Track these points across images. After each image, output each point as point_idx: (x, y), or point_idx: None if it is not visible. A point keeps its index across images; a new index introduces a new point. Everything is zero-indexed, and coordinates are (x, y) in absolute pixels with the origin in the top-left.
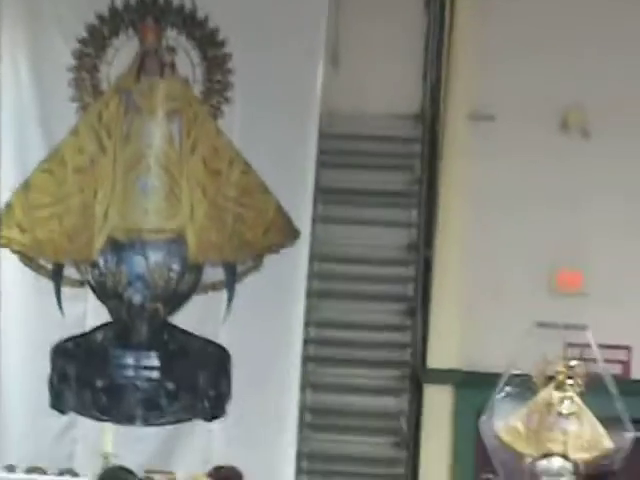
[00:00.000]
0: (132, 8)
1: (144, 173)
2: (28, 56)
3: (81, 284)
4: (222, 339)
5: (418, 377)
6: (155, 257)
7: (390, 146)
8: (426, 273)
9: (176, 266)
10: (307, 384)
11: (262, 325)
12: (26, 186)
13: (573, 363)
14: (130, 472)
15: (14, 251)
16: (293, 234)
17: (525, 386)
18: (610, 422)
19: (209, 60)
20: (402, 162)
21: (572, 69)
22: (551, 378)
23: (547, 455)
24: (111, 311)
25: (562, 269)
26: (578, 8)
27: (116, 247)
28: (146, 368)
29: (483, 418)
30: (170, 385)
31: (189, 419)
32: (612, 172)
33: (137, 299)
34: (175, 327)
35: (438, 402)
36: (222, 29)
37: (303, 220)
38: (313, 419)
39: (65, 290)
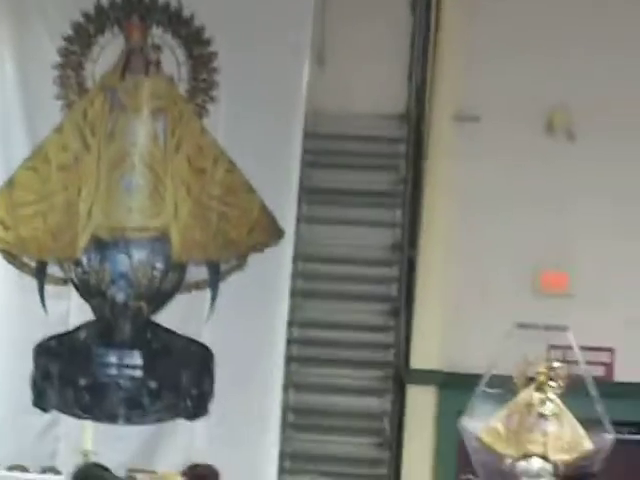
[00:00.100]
0: (118, 6)
1: (128, 171)
2: (13, 54)
3: (64, 282)
4: (205, 338)
5: (401, 378)
6: (139, 255)
7: (375, 146)
8: (410, 273)
9: (160, 265)
10: (290, 384)
11: (245, 324)
12: (10, 184)
13: (554, 364)
14: (105, 469)
15: None
16: (277, 233)
17: (506, 387)
18: (591, 424)
19: (194, 58)
20: (387, 162)
21: (558, 70)
22: (532, 379)
23: (527, 456)
24: (94, 309)
25: (547, 270)
26: (564, 8)
27: (100, 245)
28: (129, 367)
29: (463, 419)
30: (153, 384)
31: (172, 418)
32: (597, 174)
33: (120, 297)
34: (158, 326)
35: (421, 403)
36: (208, 27)
37: (287, 219)
38: (296, 419)
39: (48, 288)
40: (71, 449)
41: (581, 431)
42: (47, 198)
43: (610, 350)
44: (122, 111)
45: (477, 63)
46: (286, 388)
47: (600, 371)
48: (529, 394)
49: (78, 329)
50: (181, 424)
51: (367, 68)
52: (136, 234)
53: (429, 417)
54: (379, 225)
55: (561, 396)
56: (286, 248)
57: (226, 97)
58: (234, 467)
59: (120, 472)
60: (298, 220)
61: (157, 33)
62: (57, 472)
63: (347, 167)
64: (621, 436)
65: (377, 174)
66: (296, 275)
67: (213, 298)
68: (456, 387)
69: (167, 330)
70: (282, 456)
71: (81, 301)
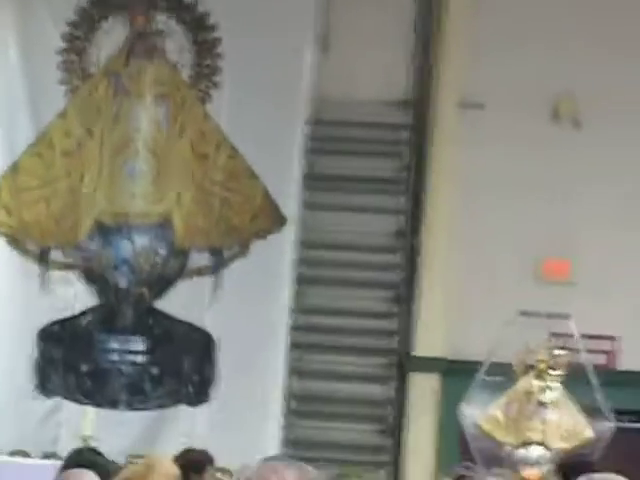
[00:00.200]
0: None
1: (132, 157)
2: (17, 39)
3: (68, 267)
4: (207, 324)
5: (404, 365)
6: (141, 241)
7: (379, 133)
8: (413, 260)
9: (162, 251)
10: (293, 371)
11: (248, 311)
12: (14, 169)
13: (555, 352)
14: (98, 453)
15: (1, 234)
16: (280, 220)
17: (506, 375)
18: (591, 412)
19: (198, 44)
20: (391, 149)
21: (564, 58)
22: (532, 367)
23: (526, 444)
24: (97, 295)
25: (550, 258)
26: None
27: (103, 231)
28: (131, 352)
29: (463, 406)
30: (154, 370)
31: (173, 404)
32: (603, 163)
33: (123, 283)
34: (160, 312)
35: (424, 390)
36: (212, 13)
37: (290, 206)
38: (298, 406)
39: (53, 274)
40: (72, 435)
41: (581, 419)
42: (51, 183)
43: (612, 338)
44: (126, 96)
45: (482, 50)
46: (289, 375)
47: (601, 359)
48: (529, 382)
49: (81, 315)
50: (182, 410)
51: (371, 55)
52: (139, 220)
53: (432, 404)
54: (382, 212)
55: (562, 384)
56: (289, 235)
57: (229, 83)
58: (235, 453)
59: (121, 458)
60: (301, 207)
61: (161, 19)
62: (59, 458)
63: (351, 154)
64: (622, 424)
65: (381, 161)
66: (299, 262)
67: (215, 284)
68: (459, 374)
69: (169, 316)
70: (284, 443)
71: (84, 287)
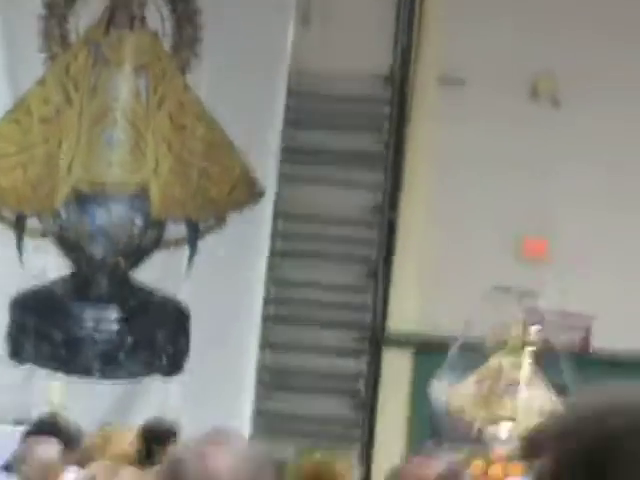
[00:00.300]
0: None
1: (110, 126)
2: None
3: (43, 235)
4: (182, 296)
5: (378, 339)
6: (118, 211)
7: (358, 106)
8: (390, 236)
9: (139, 221)
10: (266, 343)
11: (223, 283)
12: None
13: (529, 329)
14: (64, 422)
15: None
16: (258, 192)
17: (479, 351)
18: (563, 390)
19: (179, 14)
20: (370, 123)
21: (544, 36)
22: (504, 344)
23: (496, 421)
24: (72, 264)
25: (528, 236)
26: None
27: (79, 199)
28: (105, 322)
29: (434, 383)
30: (128, 340)
31: (147, 374)
32: (581, 141)
33: (98, 252)
34: (135, 282)
35: (397, 365)
36: None
37: (268, 179)
38: (271, 379)
39: (27, 242)
40: (44, 402)
41: (552, 397)
42: (28, 150)
43: (587, 317)
44: (105, 66)
45: (463, 26)
46: (262, 347)
47: (576, 338)
48: (500, 359)
49: (55, 283)
50: (156, 381)
51: (352, 28)
52: (116, 189)
53: (405, 379)
54: (360, 186)
55: (534, 361)
56: (266, 207)
57: (209, 54)
58: (207, 425)
59: (93, 429)
60: (279, 179)
61: None
62: None
63: (330, 127)
64: None
65: (360, 135)
66: (275, 234)
67: (191, 256)
68: (433, 350)
69: (144, 287)
70: (256, 415)
71: (59, 255)
